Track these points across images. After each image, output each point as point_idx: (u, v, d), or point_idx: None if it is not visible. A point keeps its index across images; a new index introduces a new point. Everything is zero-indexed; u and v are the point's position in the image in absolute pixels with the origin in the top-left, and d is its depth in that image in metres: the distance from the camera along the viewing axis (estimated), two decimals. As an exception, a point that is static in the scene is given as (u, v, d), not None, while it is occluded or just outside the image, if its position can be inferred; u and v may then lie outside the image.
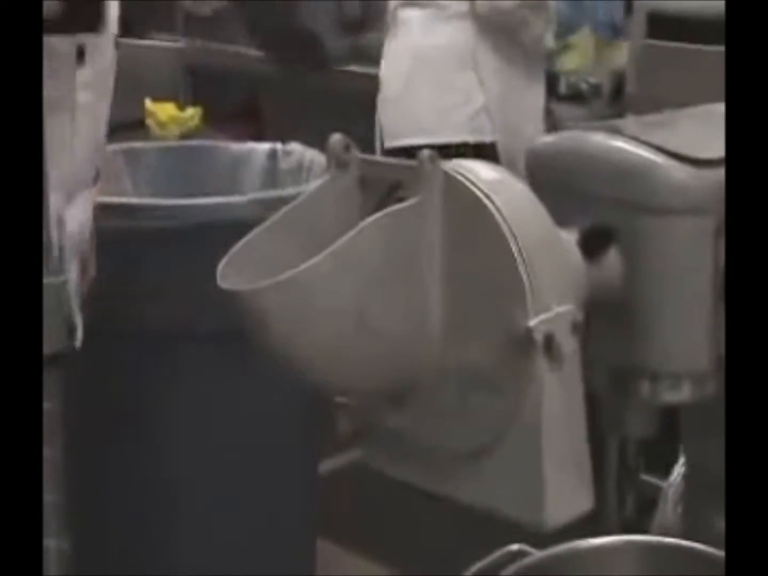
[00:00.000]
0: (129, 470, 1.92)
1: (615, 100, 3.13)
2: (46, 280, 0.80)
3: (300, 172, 2.34)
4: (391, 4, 2.90)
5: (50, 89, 1.13)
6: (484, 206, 1.06)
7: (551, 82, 3.19)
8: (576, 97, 3.21)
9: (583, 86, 3.17)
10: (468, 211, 1.07)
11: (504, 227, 1.05)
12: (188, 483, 1.97)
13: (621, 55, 3.07)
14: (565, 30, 3.20)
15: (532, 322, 1.03)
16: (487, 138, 2.75)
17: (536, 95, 2.98)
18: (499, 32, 2.78)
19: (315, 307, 1.05)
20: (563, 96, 3.23)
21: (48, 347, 0.80)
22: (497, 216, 1.06)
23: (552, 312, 1.04)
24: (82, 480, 1.43)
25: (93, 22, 1.11)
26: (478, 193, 1.07)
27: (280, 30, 3.48)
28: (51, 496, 0.84)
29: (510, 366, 1.06)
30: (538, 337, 1.03)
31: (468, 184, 1.08)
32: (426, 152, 1.08)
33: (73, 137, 1.20)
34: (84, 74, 1.20)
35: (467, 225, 1.07)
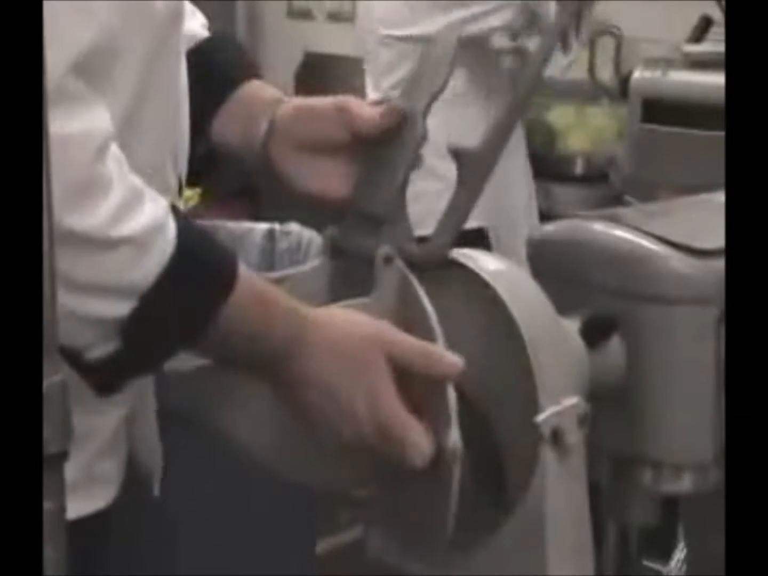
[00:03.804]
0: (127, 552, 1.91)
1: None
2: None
3: (298, 252, 2.35)
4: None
5: None
6: (489, 296, 1.07)
7: (555, 165, 3.22)
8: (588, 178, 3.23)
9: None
10: (472, 300, 1.08)
11: (510, 318, 1.06)
12: (182, 560, 1.96)
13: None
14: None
15: (540, 417, 1.03)
16: (472, 224, 2.73)
17: (521, 168, 2.98)
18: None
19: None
20: (576, 177, 3.27)
21: (48, 448, 0.80)
22: (501, 306, 1.06)
23: (560, 405, 1.05)
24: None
25: None
26: (425, 301, 1.06)
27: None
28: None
29: (514, 457, 1.06)
30: (545, 430, 1.03)
31: (471, 273, 1.08)
32: (383, 251, 1.08)
33: None
34: None
35: (471, 315, 1.08)
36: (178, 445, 1.74)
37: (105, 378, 1.01)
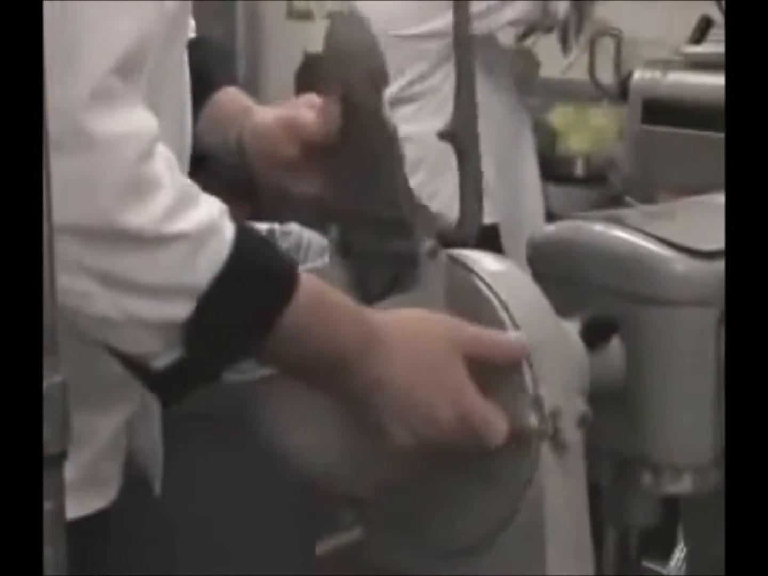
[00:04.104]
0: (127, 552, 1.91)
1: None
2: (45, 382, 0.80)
3: (298, 252, 2.34)
4: None
5: None
6: (488, 299, 1.07)
7: (555, 165, 3.21)
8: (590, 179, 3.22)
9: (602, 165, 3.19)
10: (472, 303, 1.08)
11: (507, 321, 1.06)
12: (182, 560, 1.96)
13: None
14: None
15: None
16: (486, 220, 2.74)
17: (531, 167, 2.98)
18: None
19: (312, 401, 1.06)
20: (578, 178, 3.26)
21: (47, 448, 0.80)
22: (500, 308, 1.06)
23: (559, 406, 1.04)
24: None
25: None
26: (481, 285, 1.07)
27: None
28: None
29: (514, 458, 1.06)
30: (545, 431, 1.03)
31: (471, 275, 1.08)
32: (427, 245, 1.08)
33: None
34: None
35: (471, 317, 1.08)
36: (179, 445, 1.74)
37: (171, 387, 1.00)
